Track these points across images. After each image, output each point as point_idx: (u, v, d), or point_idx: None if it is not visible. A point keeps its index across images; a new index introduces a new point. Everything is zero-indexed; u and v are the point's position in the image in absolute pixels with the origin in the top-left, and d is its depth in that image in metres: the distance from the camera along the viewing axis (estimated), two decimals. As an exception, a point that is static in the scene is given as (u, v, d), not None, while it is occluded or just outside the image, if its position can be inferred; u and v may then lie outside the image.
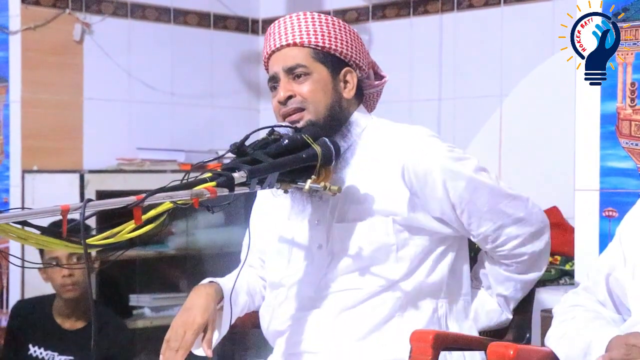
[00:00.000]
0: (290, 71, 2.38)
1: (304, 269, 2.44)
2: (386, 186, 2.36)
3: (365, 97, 2.51)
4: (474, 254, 2.55)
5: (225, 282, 2.47)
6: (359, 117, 2.44)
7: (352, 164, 2.40)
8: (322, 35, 2.38)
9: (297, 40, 2.38)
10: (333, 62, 2.40)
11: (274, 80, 2.41)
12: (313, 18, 2.40)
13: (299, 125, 2.34)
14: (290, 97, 2.37)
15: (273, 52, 2.41)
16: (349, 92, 2.42)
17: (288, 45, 2.39)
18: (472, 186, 2.36)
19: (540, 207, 2.49)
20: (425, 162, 2.34)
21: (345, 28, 2.43)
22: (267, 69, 2.45)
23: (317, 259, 2.41)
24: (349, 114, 2.43)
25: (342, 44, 2.40)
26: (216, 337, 2.41)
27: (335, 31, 2.40)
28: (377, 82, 2.50)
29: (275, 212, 2.51)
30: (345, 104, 2.41)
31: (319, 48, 2.38)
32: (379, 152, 2.39)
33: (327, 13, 4.71)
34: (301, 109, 2.36)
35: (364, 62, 2.45)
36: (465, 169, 2.37)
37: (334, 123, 2.38)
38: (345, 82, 2.42)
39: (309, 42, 2.38)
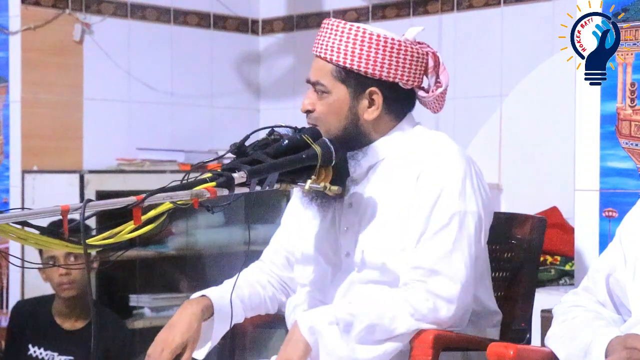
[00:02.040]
0: (314, 85, 2.40)
1: (329, 275, 2.45)
2: (406, 195, 2.36)
3: (425, 102, 2.46)
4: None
5: (222, 294, 2.45)
6: (395, 135, 2.41)
7: (386, 174, 2.39)
8: (345, 53, 2.34)
9: (322, 55, 2.38)
10: (357, 81, 2.36)
11: (307, 82, 2.43)
12: (343, 31, 2.36)
13: None
14: (309, 111, 2.39)
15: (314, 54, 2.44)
16: (371, 113, 2.38)
17: (319, 56, 2.39)
18: (450, 226, 2.31)
19: (462, 305, 2.31)
20: (437, 176, 2.34)
21: (378, 44, 2.34)
22: None
23: (343, 266, 2.43)
24: (375, 133, 2.40)
25: (367, 62, 2.34)
26: (208, 346, 2.43)
27: (363, 49, 2.34)
28: (422, 95, 2.43)
29: (307, 215, 2.50)
30: (365, 124, 2.38)
31: (342, 66, 2.35)
32: (410, 165, 2.38)
33: (327, 13, 4.74)
34: (317, 125, 2.38)
35: (406, 76, 2.37)
36: (460, 206, 2.32)
37: (349, 142, 2.36)
38: (372, 100, 2.38)
39: (330, 59, 2.36)
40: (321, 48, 2.38)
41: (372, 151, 2.40)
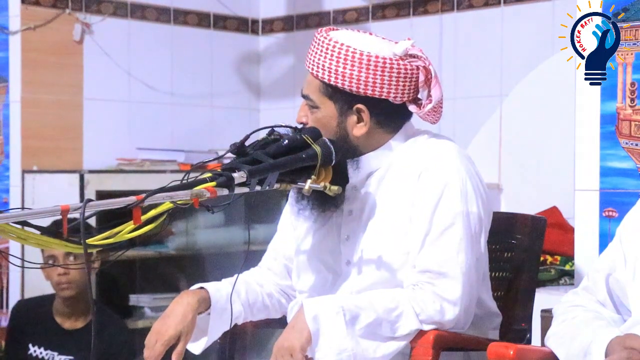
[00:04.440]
0: (305, 99, 2.39)
1: (329, 283, 2.44)
2: (407, 197, 2.35)
3: (420, 116, 2.43)
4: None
5: (219, 287, 2.45)
6: (392, 145, 2.40)
7: (387, 180, 2.38)
8: (330, 71, 2.32)
9: (311, 70, 2.37)
10: (344, 97, 2.34)
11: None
12: (328, 48, 2.33)
13: None
14: (304, 125, 2.37)
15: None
16: (360, 129, 2.36)
17: (309, 70, 2.39)
18: (452, 225, 2.30)
19: (465, 307, 2.31)
20: (438, 176, 2.33)
21: (362, 61, 2.31)
22: None
23: (344, 274, 2.42)
24: (366, 148, 2.38)
25: (351, 81, 2.31)
26: (204, 342, 2.43)
27: (347, 66, 2.31)
28: (414, 110, 2.39)
29: (305, 221, 2.49)
30: (355, 140, 2.36)
31: (330, 83, 2.34)
32: (411, 168, 2.37)
33: (327, 13, 4.74)
34: None
35: (393, 92, 2.34)
36: (462, 206, 2.31)
37: (341, 156, 2.31)
38: (360, 117, 2.36)
39: (317, 75, 2.35)
40: (310, 63, 2.37)
41: (364, 163, 2.39)
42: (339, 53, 2.33)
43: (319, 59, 2.35)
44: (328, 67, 2.33)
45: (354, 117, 2.36)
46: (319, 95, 2.36)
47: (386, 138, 2.41)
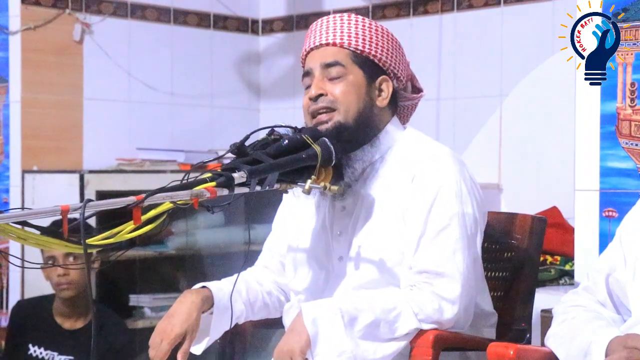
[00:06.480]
0: (327, 67, 2.38)
1: (322, 280, 2.44)
2: (401, 198, 2.36)
3: (400, 108, 2.49)
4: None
5: (221, 286, 2.45)
6: (392, 130, 2.43)
7: (381, 176, 2.39)
8: (364, 40, 2.37)
9: (338, 41, 2.38)
10: (371, 68, 2.39)
11: (308, 76, 2.41)
12: (357, 21, 2.39)
13: (327, 126, 2.33)
14: (321, 95, 2.37)
15: (312, 49, 2.42)
16: (382, 101, 2.40)
17: (328, 44, 2.39)
18: (448, 225, 2.31)
19: (464, 307, 2.30)
20: (433, 177, 2.34)
21: (388, 36, 2.41)
22: (303, 66, 2.45)
23: (336, 271, 2.42)
24: (381, 123, 2.41)
25: (382, 51, 2.39)
26: (206, 342, 2.43)
27: (377, 38, 2.39)
28: (412, 95, 2.49)
29: (299, 218, 2.50)
30: (377, 111, 2.40)
31: (359, 52, 2.37)
32: (404, 167, 2.38)
33: (327, 13, 4.73)
34: (331, 109, 2.36)
35: (402, 73, 2.43)
36: (458, 207, 2.32)
37: (363, 129, 2.37)
38: (380, 90, 2.40)
39: (349, 44, 2.37)
40: (334, 36, 2.38)
41: (376, 145, 2.40)
42: (370, 25, 2.40)
43: (349, 30, 2.38)
44: (362, 37, 2.38)
45: (376, 91, 2.40)
46: (349, 62, 2.38)
47: (388, 119, 2.44)
